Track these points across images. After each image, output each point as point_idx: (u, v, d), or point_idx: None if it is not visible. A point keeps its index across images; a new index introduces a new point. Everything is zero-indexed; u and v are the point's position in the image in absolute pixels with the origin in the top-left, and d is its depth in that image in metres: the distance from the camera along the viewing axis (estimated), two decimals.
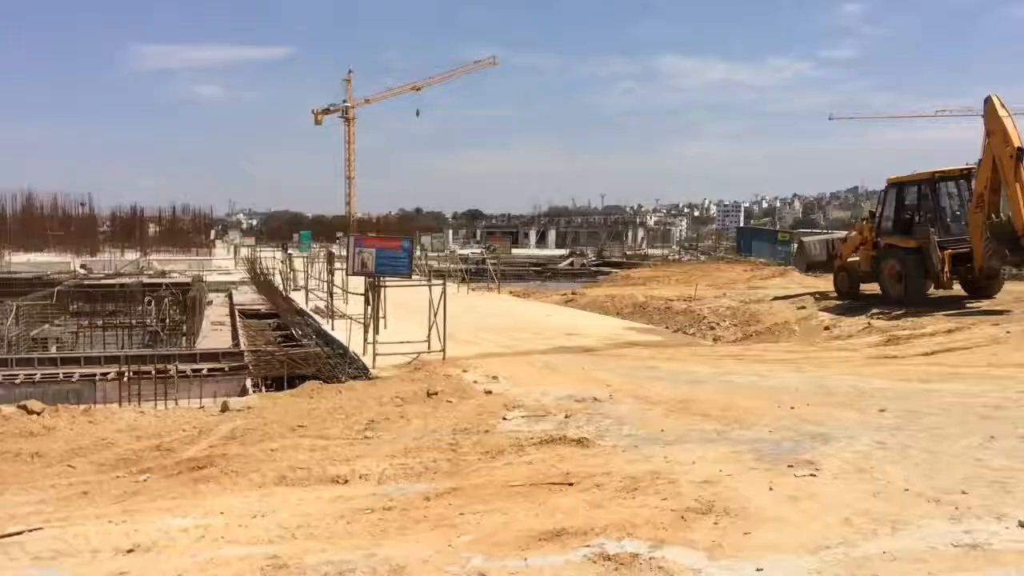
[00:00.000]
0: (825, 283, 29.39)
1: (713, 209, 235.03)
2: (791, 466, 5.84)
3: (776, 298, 22.38)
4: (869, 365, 12.58)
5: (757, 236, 55.71)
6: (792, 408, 8.29)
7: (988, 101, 17.50)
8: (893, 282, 18.77)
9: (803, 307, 20.85)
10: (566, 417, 8.50)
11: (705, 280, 33.73)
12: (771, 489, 5.29)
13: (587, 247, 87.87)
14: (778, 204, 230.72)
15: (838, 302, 20.42)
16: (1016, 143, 16.47)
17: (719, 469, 5.86)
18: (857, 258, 20.60)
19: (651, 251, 77.11)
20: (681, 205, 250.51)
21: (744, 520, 4.76)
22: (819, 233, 29.55)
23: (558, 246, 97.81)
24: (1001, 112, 17.04)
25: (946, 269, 17.45)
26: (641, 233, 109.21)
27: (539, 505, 5.25)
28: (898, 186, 19.80)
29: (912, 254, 18.17)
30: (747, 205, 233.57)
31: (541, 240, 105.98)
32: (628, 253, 75.65)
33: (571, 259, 72.89)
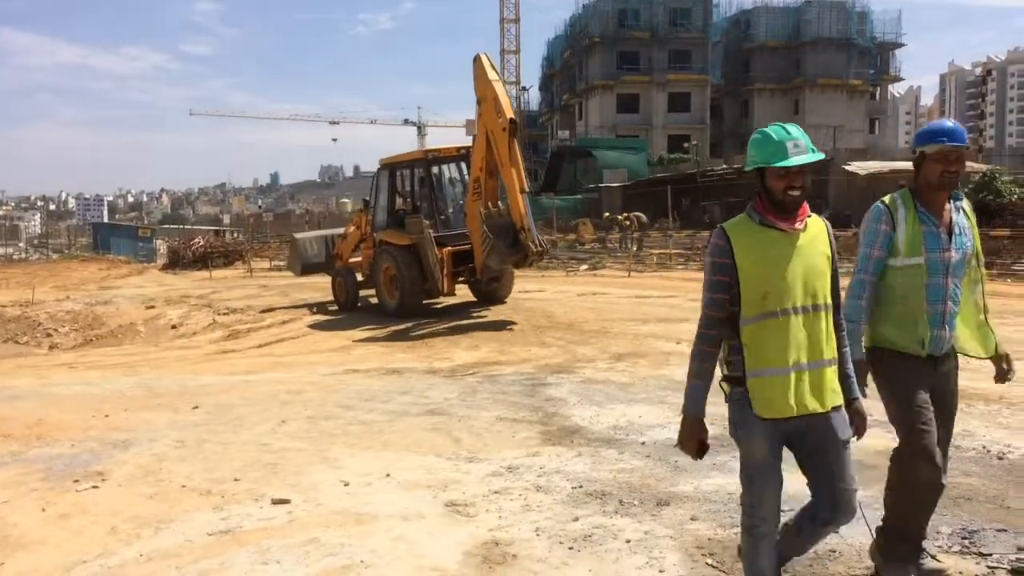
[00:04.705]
0: (183, 280, 29.47)
1: (72, 203, 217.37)
2: (77, 480, 5.59)
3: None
4: (206, 361, 12.86)
5: (117, 232, 52.85)
6: (107, 416, 8.00)
7: (477, 61, 14.28)
8: (390, 288, 15.15)
9: (152, 307, 20.43)
10: None
11: (53, 281, 30.95)
12: (44, 510, 4.99)
13: None
14: (145, 199, 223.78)
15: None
16: (509, 114, 13.46)
17: None
18: (360, 259, 16.96)
19: None
20: (34, 198, 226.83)
21: (3, 550, 4.39)
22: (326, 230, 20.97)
23: None
24: (491, 75, 13.90)
25: (445, 271, 14.30)
26: None
27: None
28: (390, 169, 16.18)
29: (407, 253, 14.56)
30: (111, 199, 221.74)
31: None
32: None
33: None
